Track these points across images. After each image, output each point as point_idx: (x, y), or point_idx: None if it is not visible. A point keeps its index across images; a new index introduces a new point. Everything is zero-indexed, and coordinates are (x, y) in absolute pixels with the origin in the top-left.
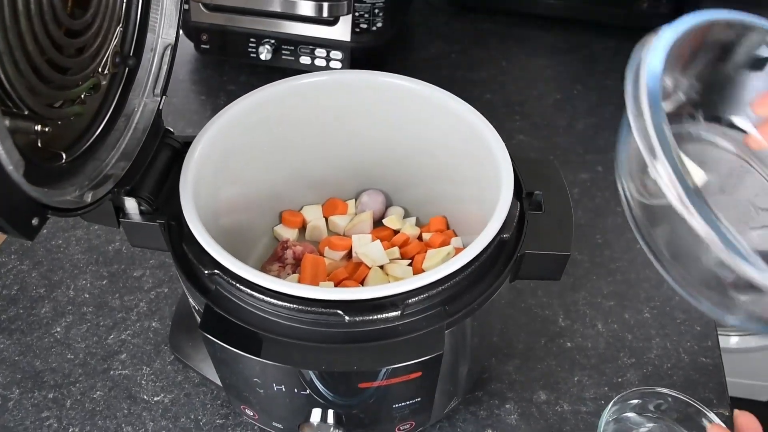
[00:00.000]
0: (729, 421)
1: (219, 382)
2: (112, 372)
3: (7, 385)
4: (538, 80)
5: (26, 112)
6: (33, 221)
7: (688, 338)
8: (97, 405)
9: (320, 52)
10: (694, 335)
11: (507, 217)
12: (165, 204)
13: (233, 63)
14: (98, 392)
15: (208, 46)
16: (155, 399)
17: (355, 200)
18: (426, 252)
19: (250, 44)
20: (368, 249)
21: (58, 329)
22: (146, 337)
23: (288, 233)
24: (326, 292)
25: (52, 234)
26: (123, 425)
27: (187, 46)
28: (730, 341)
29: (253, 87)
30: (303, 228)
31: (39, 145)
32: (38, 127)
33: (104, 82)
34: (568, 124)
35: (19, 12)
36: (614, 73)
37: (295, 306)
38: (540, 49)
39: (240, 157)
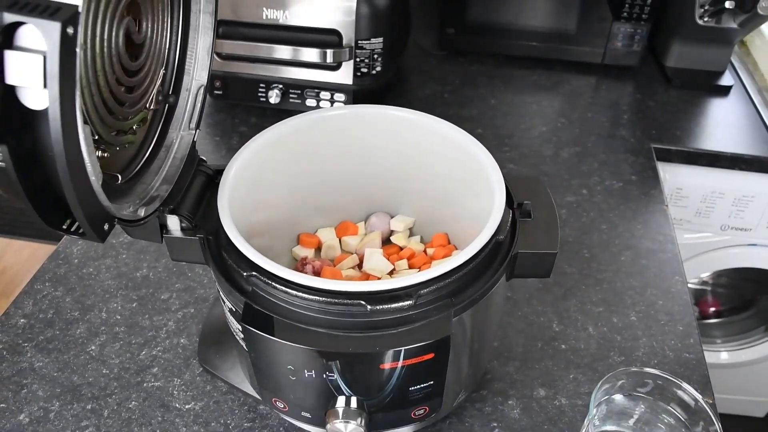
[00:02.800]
0: (712, 409)
1: (246, 390)
2: (145, 384)
3: (47, 399)
4: (525, 115)
5: (96, 137)
6: (105, 226)
7: (672, 337)
8: (132, 414)
9: (325, 95)
10: (677, 334)
11: (501, 222)
12: (202, 222)
13: (244, 106)
14: (133, 402)
15: (221, 92)
16: (186, 407)
17: (365, 222)
18: (431, 263)
19: (260, 89)
20: (373, 263)
21: (93, 347)
22: (176, 352)
23: (305, 252)
24: (350, 285)
25: (83, 263)
26: (158, 431)
27: None
28: (720, 357)
29: (263, 129)
30: (318, 248)
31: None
32: (98, 153)
33: (149, 116)
34: (554, 154)
35: (96, 54)
36: (594, 107)
37: (324, 299)
38: (525, 87)
39: (264, 184)
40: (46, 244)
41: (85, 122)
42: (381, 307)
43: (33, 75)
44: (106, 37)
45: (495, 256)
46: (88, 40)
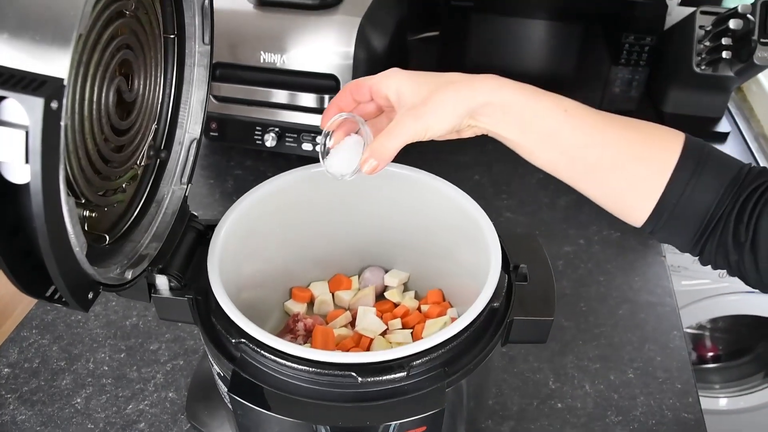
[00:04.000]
0: None
1: None
2: None
3: None
4: (522, 161)
5: (83, 201)
6: (89, 295)
7: (670, 395)
8: None
9: (321, 139)
10: (676, 392)
11: (496, 288)
12: (192, 280)
13: (240, 149)
14: None
15: (216, 134)
16: None
17: (359, 276)
18: (425, 322)
19: (256, 132)
20: (366, 323)
21: (79, 400)
22: (163, 407)
23: (298, 307)
24: (341, 356)
25: (71, 310)
26: None
27: None
28: (719, 403)
29: (258, 171)
30: (311, 302)
31: (85, 228)
32: (86, 213)
33: (139, 172)
34: (551, 201)
35: (85, 117)
36: None
37: (314, 369)
38: None
39: (257, 239)
40: None
41: (69, 194)
42: (372, 378)
43: (14, 150)
44: (95, 99)
45: (490, 323)
46: (76, 105)
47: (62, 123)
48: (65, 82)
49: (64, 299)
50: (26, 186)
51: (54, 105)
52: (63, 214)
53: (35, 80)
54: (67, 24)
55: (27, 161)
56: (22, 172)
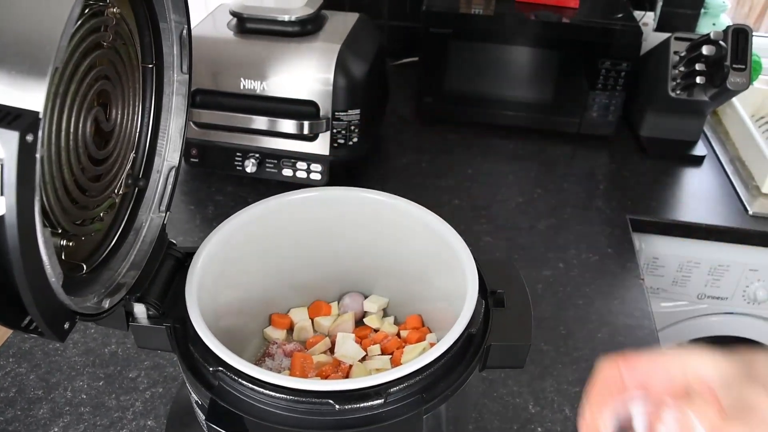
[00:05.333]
0: None
1: None
2: None
3: None
4: (501, 185)
5: (59, 230)
6: (65, 325)
7: None
8: None
9: (301, 165)
10: None
11: (473, 314)
12: (170, 308)
13: (220, 175)
14: None
15: (197, 160)
16: None
17: (338, 302)
18: (404, 347)
19: (237, 158)
20: (344, 350)
21: (56, 430)
22: None
23: (277, 334)
24: (318, 384)
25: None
26: None
27: None
28: None
29: (239, 197)
30: (290, 329)
31: (63, 257)
32: (63, 242)
33: (117, 200)
34: (531, 225)
35: (62, 148)
36: (570, 177)
37: (291, 397)
38: (502, 157)
39: (236, 266)
40: None
41: (45, 224)
42: (350, 406)
43: None
44: (72, 130)
45: (467, 349)
46: (53, 136)
47: (38, 155)
48: (41, 115)
49: (39, 330)
50: (1, 218)
51: (29, 138)
52: (38, 246)
53: (10, 113)
54: (44, 57)
55: (2, 194)
56: None
